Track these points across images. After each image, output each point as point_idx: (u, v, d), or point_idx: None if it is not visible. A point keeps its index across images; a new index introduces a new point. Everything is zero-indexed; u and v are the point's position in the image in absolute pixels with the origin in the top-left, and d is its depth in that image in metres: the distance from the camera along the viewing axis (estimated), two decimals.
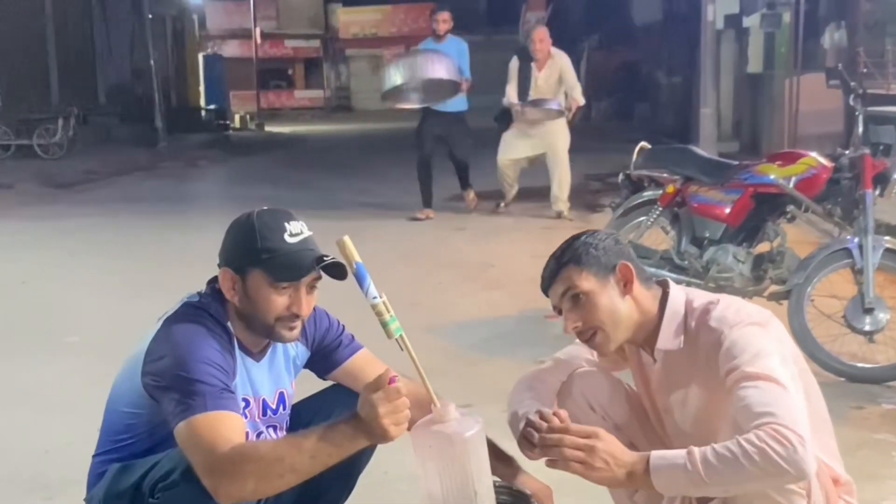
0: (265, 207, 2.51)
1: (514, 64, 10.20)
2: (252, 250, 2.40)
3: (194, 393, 2.25)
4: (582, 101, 10.13)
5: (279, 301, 2.42)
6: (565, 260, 2.46)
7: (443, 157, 10.67)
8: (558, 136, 10.12)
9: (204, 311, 2.45)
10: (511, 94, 10.10)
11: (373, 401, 2.11)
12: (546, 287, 2.52)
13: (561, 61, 10.11)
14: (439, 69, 9.49)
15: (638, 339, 2.53)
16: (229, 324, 2.48)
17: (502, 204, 10.64)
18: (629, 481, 2.21)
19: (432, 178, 10.55)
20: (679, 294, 2.50)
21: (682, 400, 2.48)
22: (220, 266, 2.48)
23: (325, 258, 2.41)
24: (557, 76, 10.03)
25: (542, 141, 10.15)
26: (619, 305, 2.44)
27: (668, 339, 2.46)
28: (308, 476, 2.19)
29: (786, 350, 2.35)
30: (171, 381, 2.28)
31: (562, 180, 10.15)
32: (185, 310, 2.45)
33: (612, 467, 2.19)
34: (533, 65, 10.04)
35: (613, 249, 2.48)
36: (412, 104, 10.39)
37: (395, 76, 9.58)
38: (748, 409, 2.16)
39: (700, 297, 2.49)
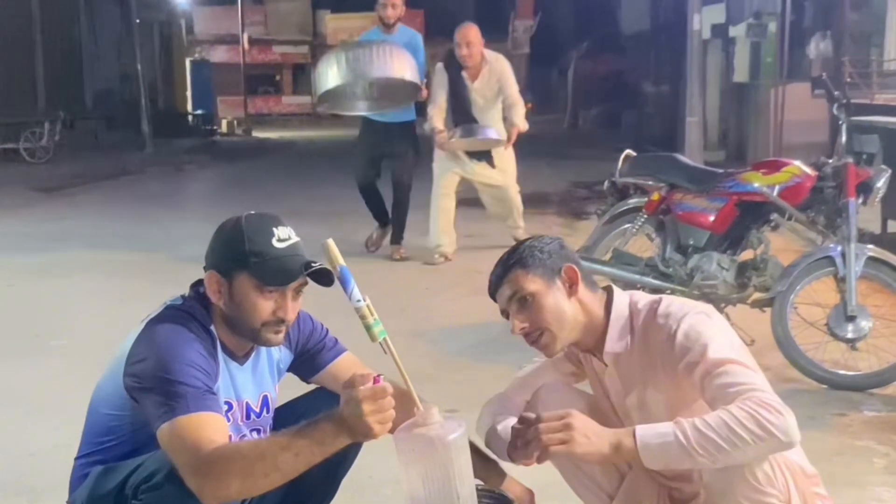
0: (253, 212, 2.52)
1: (441, 75, 7.93)
2: (240, 254, 2.41)
3: (177, 394, 2.24)
4: (524, 125, 7.93)
5: (265, 305, 2.42)
6: (511, 263, 2.52)
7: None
8: (509, 166, 8.23)
9: (187, 313, 2.45)
10: (435, 118, 7.86)
11: (357, 398, 2.11)
12: (493, 291, 2.57)
13: (499, 68, 7.93)
14: (400, 67, 7.28)
15: (587, 344, 2.57)
16: (213, 327, 2.48)
17: (437, 256, 8.19)
18: (616, 454, 2.23)
19: (383, 200, 8.58)
20: (623, 297, 2.56)
21: (639, 401, 2.53)
22: (206, 269, 2.48)
23: (312, 264, 2.42)
24: (496, 88, 7.92)
25: (488, 171, 8.14)
26: (564, 306, 2.49)
27: (614, 341, 2.52)
28: (293, 475, 2.19)
29: (733, 339, 2.41)
30: (154, 382, 2.28)
31: (518, 210, 8.46)
32: (168, 312, 2.45)
33: (593, 440, 2.22)
34: (464, 74, 7.89)
35: (559, 253, 2.53)
36: (355, 111, 8.14)
37: (335, 74, 7.25)
38: (726, 391, 2.21)
39: (643, 298, 2.55)
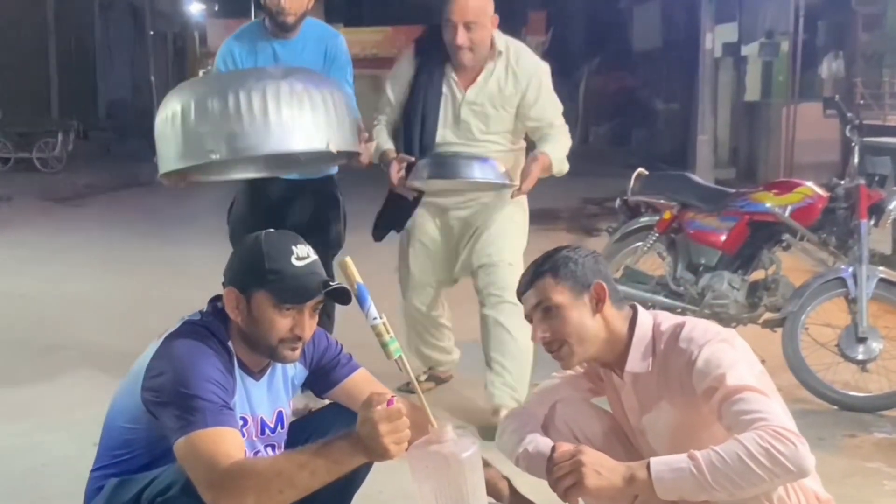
0: (272, 230, 2.54)
1: (405, 66, 4.50)
2: (259, 271, 2.43)
3: (194, 409, 2.27)
4: (563, 165, 4.52)
5: (282, 323, 2.44)
6: (544, 269, 2.52)
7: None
8: (507, 227, 4.53)
9: (205, 329, 2.48)
10: (382, 136, 4.49)
11: (373, 419, 2.13)
12: (521, 293, 2.58)
13: (526, 65, 4.39)
14: (321, 128, 3.60)
15: (607, 360, 2.58)
16: (230, 343, 2.50)
17: (422, 376, 5.08)
18: (629, 487, 2.24)
19: None
20: (647, 318, 2.56)
21: (654, 422, 2.54)
22: (225, 286, 2.50)
23: (330, 283, 2.44)
24: (514, 101, 4.39)
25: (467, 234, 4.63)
26: (587, 323, 2.49)
27: (636, 362, 2.52)
28: (306, 492, 2.21)
29: (754, 366, 2.41)
30: (171, 396, 2.30)
31: (520, 350, 4.40)
32: (187, 327, 2.48)
33: (605, 475, 2.23)
34: (453, 75, 4.39)
35: (591, 267, 2.53)
36: (236, 175, 4.25)
37: (193, 144, 3.64)
38: (741, 418, 2.21)
39: (667, 320, 2.55)
